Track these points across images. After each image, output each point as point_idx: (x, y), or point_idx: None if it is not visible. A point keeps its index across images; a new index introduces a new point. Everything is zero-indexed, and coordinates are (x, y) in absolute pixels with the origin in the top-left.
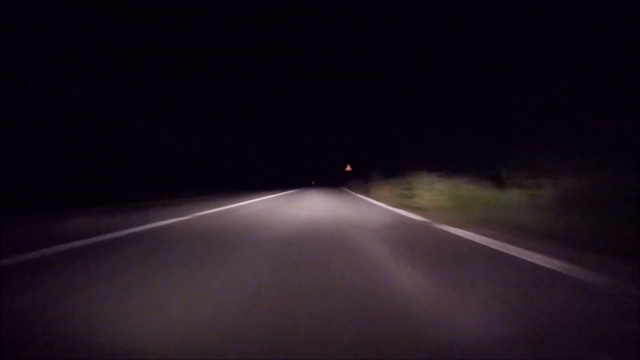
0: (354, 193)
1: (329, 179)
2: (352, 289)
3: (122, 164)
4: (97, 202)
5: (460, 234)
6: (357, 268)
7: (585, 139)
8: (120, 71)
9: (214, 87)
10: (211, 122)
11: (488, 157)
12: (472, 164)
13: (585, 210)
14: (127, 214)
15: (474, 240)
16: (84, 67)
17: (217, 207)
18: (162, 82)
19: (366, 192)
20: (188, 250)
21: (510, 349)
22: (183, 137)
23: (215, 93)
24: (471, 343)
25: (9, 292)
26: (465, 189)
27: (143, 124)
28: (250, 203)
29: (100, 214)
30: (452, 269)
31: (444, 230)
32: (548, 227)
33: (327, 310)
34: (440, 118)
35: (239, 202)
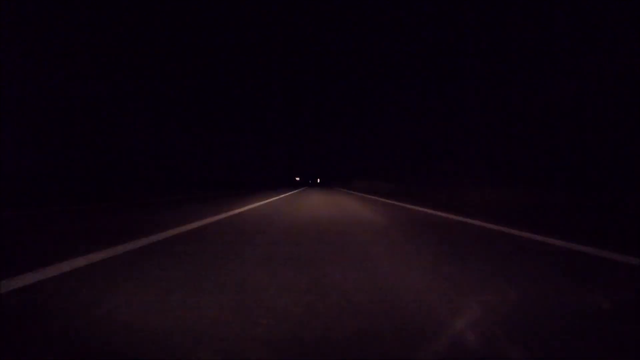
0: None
1: (316, 178)
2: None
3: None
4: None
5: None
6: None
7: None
8: (122, 71)
9: (211, 86)
10: (208, 122)
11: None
12: None
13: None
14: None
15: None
16: (86, 67)
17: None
18: (157, 81)
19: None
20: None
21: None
22: (181, 137)
23: (213, 92)
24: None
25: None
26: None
27: (141, 124)
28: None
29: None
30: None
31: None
32: None
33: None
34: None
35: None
